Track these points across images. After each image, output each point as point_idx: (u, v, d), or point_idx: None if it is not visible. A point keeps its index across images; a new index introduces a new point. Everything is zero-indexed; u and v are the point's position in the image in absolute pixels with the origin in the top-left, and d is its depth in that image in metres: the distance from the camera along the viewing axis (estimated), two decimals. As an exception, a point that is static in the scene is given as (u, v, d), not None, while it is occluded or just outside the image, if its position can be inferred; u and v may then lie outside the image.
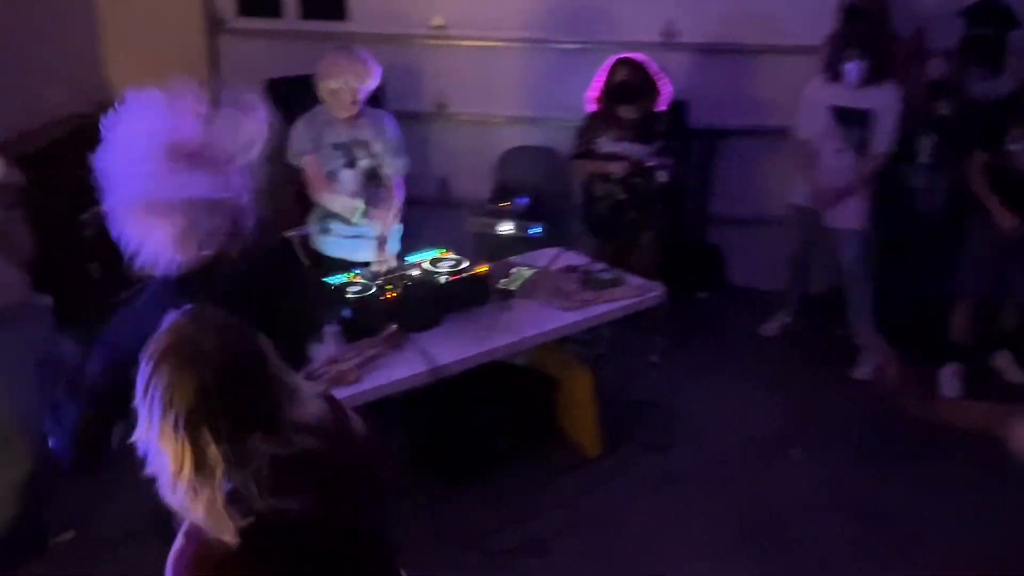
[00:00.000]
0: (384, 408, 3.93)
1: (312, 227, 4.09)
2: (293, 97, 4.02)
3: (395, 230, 4.03)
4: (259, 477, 1.51)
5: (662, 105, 4.68)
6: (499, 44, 5.65)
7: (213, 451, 1.49)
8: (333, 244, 4.08)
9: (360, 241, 4.00)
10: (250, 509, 1.51)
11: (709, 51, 5.44)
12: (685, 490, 3.92)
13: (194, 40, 5.91)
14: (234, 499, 1.50)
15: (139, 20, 5.95)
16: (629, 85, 4.62)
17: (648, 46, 5.13)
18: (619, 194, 4.74)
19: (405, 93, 5.65)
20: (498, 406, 4.02)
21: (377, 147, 3.96)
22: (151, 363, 1.55)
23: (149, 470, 1.55)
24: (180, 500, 1.52)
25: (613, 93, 4.65)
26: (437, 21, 5.65)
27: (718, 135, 5.51)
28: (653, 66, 4.67)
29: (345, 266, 3.83)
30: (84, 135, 6.10)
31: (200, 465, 1.50)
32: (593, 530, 3.68)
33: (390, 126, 4.01)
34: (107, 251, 4.77)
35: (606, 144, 4.71)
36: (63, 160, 5.10)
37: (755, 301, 5.44)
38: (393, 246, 3.96)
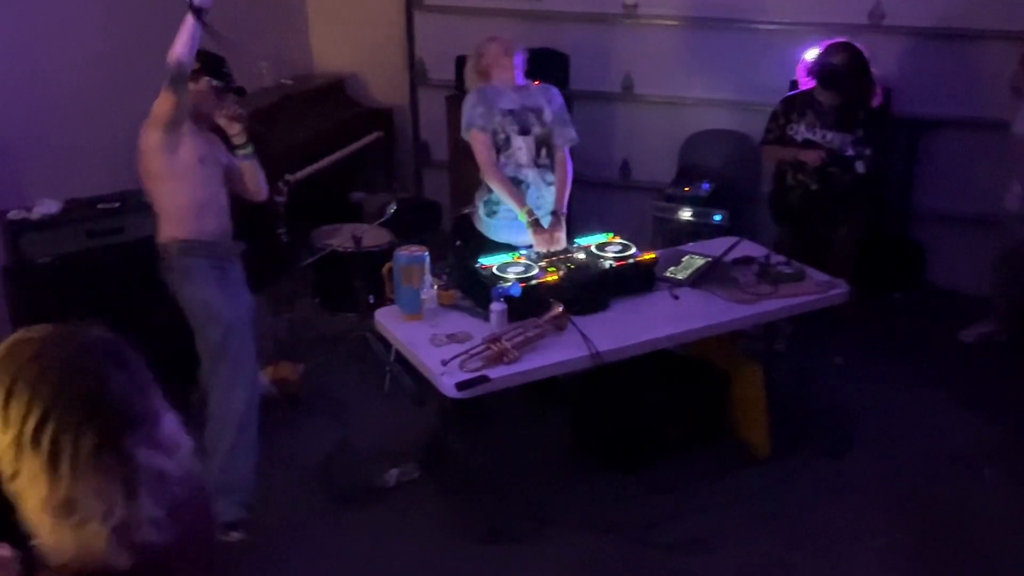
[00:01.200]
0: (550, 389, 3.93)
1: (479, 208, 4.05)
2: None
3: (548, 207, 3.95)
4: (144, 500, 1.21)
5: (874, 102, 4.40)
6: (692, 24, 5.49)
7: (98, 465, 1.19)
8: (498, 227, 3.99)
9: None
10: (131, 544, 1.21)
11: (920, 35, 5.08)
12: (860, 501, 3.68)
13: (392, 16, 6.10)
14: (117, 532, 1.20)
15: (343, -3, 6.21)
16: (838, 71, 4.36)
17: (852, 28, 4.83)
18: (812, 184, 4.51)
19: (591, 73, 5.62)
20: (668, 396, 3.91)
21: (547, 116, 3.93)
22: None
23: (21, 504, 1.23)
24: (59, 537, 1.21)
25: (821, 76, 4.40)
26: (630, -1, 5.56)
27: (926, 125, 5.15)
28: (868, 55, 4.38)
29: (510, 250, 3.80)
30: (287, 105, 6.43)
31: (77, 486, 1.18)
32: (758, 533, 3.51)
33: (556, 95, 4.02)
34: (296, 217, 5.01)
35: (802, 131, 4.48)
36: (268, 127, 5.39)
37: (957, 305, 5.07)
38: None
